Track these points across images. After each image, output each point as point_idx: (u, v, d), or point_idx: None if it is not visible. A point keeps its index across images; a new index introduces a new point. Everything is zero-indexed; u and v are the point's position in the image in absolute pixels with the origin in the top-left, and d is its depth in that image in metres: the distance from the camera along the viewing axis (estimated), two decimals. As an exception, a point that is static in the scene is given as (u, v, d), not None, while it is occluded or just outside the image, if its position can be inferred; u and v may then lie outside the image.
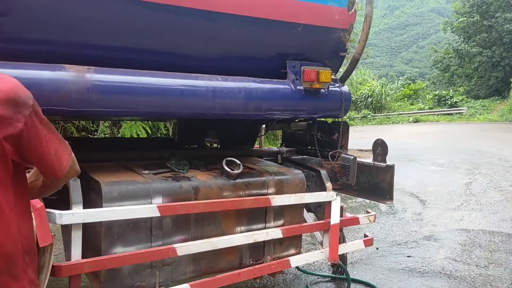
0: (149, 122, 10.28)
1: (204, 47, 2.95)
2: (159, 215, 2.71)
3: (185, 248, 2.83)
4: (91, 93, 2.45)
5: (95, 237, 2.72)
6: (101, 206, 2.60)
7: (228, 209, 3.01)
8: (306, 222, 3.81)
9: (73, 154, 1.55)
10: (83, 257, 2.55)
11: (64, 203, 2.59)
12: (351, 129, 4.24)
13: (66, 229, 2.76)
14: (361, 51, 3.59)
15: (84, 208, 2.55)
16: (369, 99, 33.49)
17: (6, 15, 2.32)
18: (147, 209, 2.68)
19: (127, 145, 4.50)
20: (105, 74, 2.53)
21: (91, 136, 9.99)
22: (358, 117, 31.36)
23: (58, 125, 9.92)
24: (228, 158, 3.14)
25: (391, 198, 3.96)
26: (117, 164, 3.20)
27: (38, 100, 2.27)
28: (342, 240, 4.13)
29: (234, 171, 3.08)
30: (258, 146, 5.02)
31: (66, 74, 2.40)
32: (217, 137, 4.74)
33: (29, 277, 1.41)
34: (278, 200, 3.21)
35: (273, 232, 3.22)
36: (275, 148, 4.39)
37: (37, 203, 2.10)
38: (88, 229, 2.68)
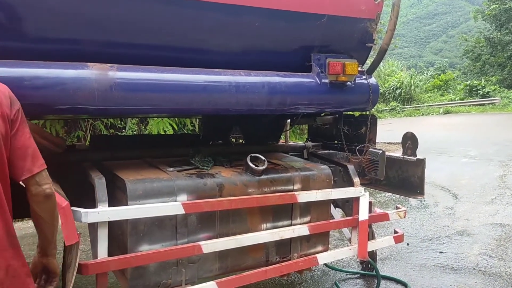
0: (176, 119, 10.36)
1: (227, 42, 2.91)
2: (183, 212, 2.69)
3: (211, 245, 2.80)
4: (114, 91, 2.44)
5: (121, 235, 2.72)
6: (126, 204, 2.60)
7: (253, 206, 2.96)
8: (334, 218, 3.74)
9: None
10: (109, 255, 2.56)
11: (90, 202, 2.60)
12: (379, 121, 4.12)
13: (93, 228, 2.78)
14: (389, 41, 3.47)
15: (109, 206, 2.55)
16: (398, 91, 32.88)
17: (28, 16, 2.33)
18: (172, 207, 2.67)
19: (153, 142, 4.50)
20: (127, 71, 2.51)
21: (119, 134, 10.13)
22: (386, 109, 30.82)
23: (87, 122, 10.12)
24: (253, 154, 3.09)
25: (422, 193, 3.84)
26: (142, 161, 3.20)
27: (62, 99, 2.29)
28: (371, 236, 4.03)
29: (258, 167, 3.03)
30: (284, 141, 4.96)
31: (89, 72, 2.40)
32: (241, 132, 4.70)
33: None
34: (304, 197, 3.14)
35: (299, 229, 3.16)
36: (301, 143, 4.32)
37: (62, 201, 2.10)
38: (114, 227, 2.69)
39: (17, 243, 1.64)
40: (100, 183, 2.57)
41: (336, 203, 3.94)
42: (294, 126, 4.64)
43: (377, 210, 3.81)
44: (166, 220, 2.72)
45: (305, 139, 4.73)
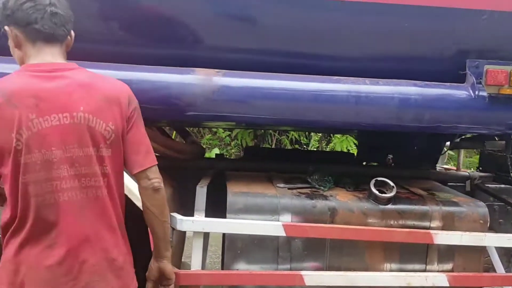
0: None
1: (353, 46, 2.53)
2: (284, 234, 2.41)
3: (315, 277, 2.44)
4: (215, 97, 2.34)
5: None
6: (225, 217, 2.46)
7: (371, 239, 2.48)
8: (494, 269, 2.91)
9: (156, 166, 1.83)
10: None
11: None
12: None
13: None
14: None
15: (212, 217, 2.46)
16: None
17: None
18: (272, 226, 2.41)
19: (301, 157, 4.31)
20: (232, 77, 2.38)
21: (302, 149, 10.26)
22: None
23: (273, 137, 10.57)
24: (379, 178, 2.61)
25: None
26: (262, 174, 3.03)
27: (165, 103, 2.28)
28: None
29: (384, 195, 2.54)
30: (455, 168, 4.17)
31: (194, 77, 2.35)
32: (392, 153, 4.12)
33: None
34: (444, 238, 2.50)
35: (435, 277, 2.52)
36: (464, 172, 3.52)
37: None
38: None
39: (124, 233, 1.78)
40: (200, 191, 2.50)
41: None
42: (448, 150, 3.85)
43: None
44: (267, 240, 2.48)
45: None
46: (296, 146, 10.72)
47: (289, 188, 2.66)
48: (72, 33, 1.76)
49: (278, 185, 2.70)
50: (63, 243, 1.58)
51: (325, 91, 2.39)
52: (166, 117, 2.48)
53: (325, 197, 2.58)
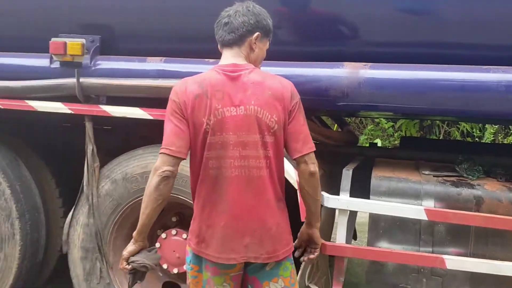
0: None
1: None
2: (426, 219, 2.53)
3: (456, 262, 2.50)
4: (362, 88, 2.57)
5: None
6: (368, 198, 2.69)
7: (519, 230, 2.44)
8: None
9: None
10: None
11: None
12: None
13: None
14: None
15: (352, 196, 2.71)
16: None
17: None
18: (413, 210, 2.55)
19: (456, 148, 4.19)
20: (378, 69, 2.58)
21: (471, 141, 9.54)
22: None
23: (441, 128, 10.01)
24: (533, 170, 2.52)
25: None
26: (410, 162, 3.14)
27: (317, 94, 2.63)
28: None
29: (538, 187, 2.46)
30: None
31: (342, 71, 2.63)
32: None
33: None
34: None
35: None
36: None
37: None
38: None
39: (283, 207, 2.08)
40: (346, 174, 2.76)
41: None
42: None
43: None
44: (409, 223, 2.63)
45: None
46: (468, 139, 9.97)
47: (434, 176, 2.75)
48: (254, 35, 2.03)
49: (423, 172, 2.80)
50: (230, 210, 1.94)
51: (472, 81, 2.43)
52: (319, 107, 2.80)
53: (472, 186, 2.61)
